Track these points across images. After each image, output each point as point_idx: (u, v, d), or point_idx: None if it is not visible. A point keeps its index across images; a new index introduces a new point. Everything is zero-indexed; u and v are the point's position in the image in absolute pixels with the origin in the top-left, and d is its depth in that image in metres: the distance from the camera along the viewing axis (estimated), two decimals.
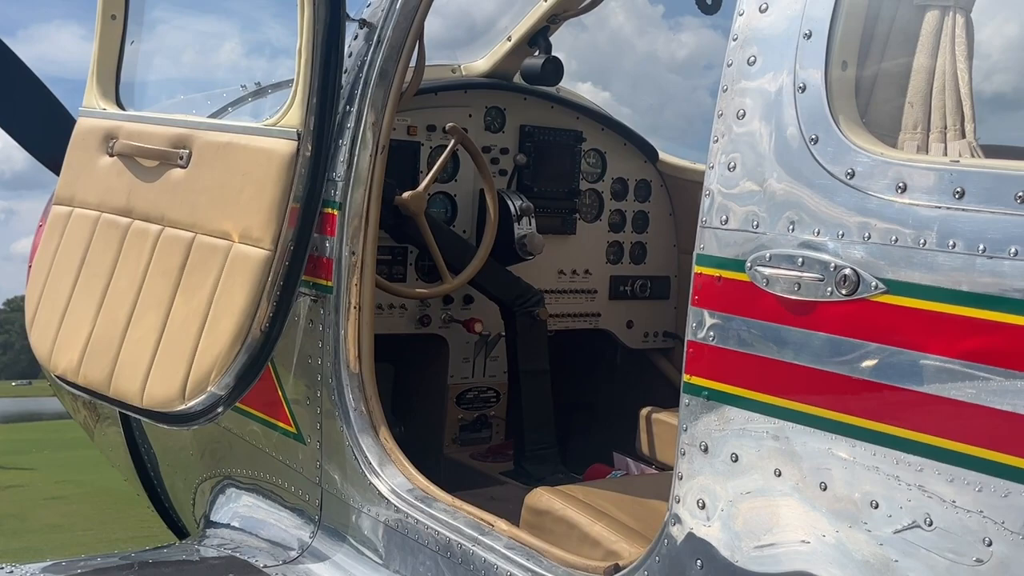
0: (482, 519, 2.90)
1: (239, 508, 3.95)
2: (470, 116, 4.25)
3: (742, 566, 2.24)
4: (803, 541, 2.14)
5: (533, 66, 4.36)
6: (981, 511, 1.89)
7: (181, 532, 4.70)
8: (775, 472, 2.10)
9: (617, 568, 2.51)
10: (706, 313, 2.24)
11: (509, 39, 4.37)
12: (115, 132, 3.78)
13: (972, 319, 1.84)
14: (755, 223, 2.14)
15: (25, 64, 5.41)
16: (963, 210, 1.86)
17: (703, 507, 2.24)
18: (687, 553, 2.32)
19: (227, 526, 3.99)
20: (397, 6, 3.34)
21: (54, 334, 3.79)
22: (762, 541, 2.21)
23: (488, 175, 4.12)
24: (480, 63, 4.32)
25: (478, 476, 4.10)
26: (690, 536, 2.32)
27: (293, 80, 3.90)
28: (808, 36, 2.09)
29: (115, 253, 3.65)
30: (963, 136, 2.05)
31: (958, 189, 1.86)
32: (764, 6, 2.19)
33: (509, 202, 4.23)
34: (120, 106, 3.96)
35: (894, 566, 2.03)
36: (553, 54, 4.42)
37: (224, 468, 4.05)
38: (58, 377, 3.85)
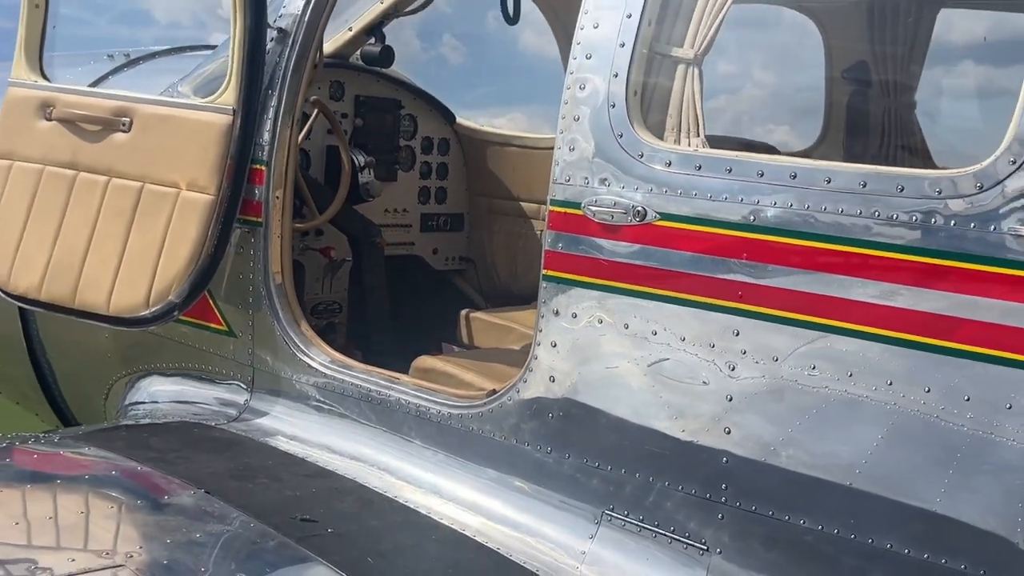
0: (391, 375, 3.89)
1: (166, 390, 4.61)
2: (319, 88, 4.86)
3: (579, 379, 3.27)
4: (614, 365, 3.20)
5: (372, 52, 5.16)
6: (706, 348, 2.99)
7: None
8: (598, 320, 3.17)
9: (493, 392, 3.50)
10: (556, 234, 3.28)
11: (350, 29, 5.11)
12: (51, 101, 4.37)
13: (706, 233, 2.97)
14: (587, 181, 3.17)
15: None
16: (700, 176, 2.98)
17: (555, 346, 3.27)
18: (545, 374, 3.32)
19: (154, 403, 4.62)
20: (305, 19, 4.14)
21: (10, 262, 4.39)
22: (591, 365, 3.26)
23: (342, 136, 4.96)
24: (326, 46, 4.88)
25: None
26: (547, 364, 3.32)
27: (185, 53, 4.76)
28: (616, 76, 3.12)
29: (65, 197, 4.29)
30: (699, 136, 3.11)
31: (698, 165, 2.99)
32: (589, 55, 3.20)
33: (355, 157, 4.98)
34: (46, 78, 4.51)
35: (657, 386, 3.10)
36: (387, 43, 5.12)
37: (145, 364, 4.68)
38: (17, 296, 4.41)
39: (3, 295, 4.50)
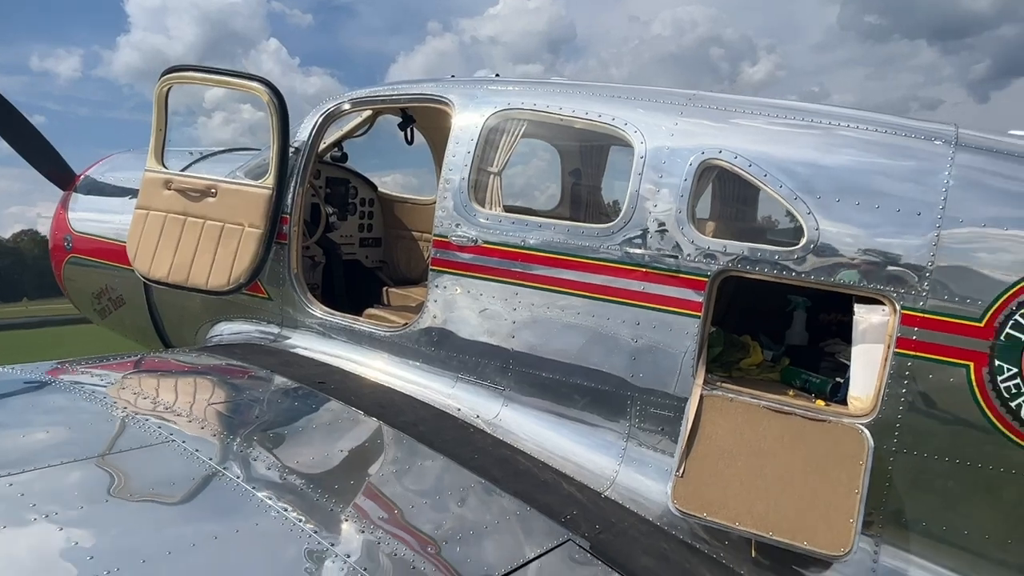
0: (354, 317, 4.27)
1: (231, 328, 4.75)
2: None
3: (447, 317, 3.70)
4: (462, 309, 3.61)
5: (336, 155, 5.54)
6: (503, 300, 3.52)
7: None
8: (455, 289, 3.64)
9: (405, 324, 3.90)
10: (436, 249, 3.69)
11: (326, 143, 5.24)
12: (170, 180, 4.57)
13: (504, 250, 3.62)
14: (450, 225, 3.63)
15: (23, 115, 5.76)
16: (499, 224, 3.54)
17: (435, 302, 3.71)
18: (431, 314, 3.76)
19: (222, 335, 4.73)
20: (308, 143, 4.45)
21: (149, 262, 4.57)
22: (452, 310, 3.70)
23: (321, 198, 5.34)
24: None
25: None
26: (431, 310, 3.75)
27: (221, 153, 5.15)
28: (463, 178, 3.64)
29: (180, 230, 4.52)
30: (500, 205, 3.63)
31: (500, 219, 3.54)
32: (451, 168, 3.67)
33: (326, 209, 5.41)
34: (165, 167, 4.67)
35: (481, 319, 3.56)
36: (344, 152, 5.56)
37: (219, 316, 4.83)
38: (154, 280, 4.54)
39: (145, 279, 4.63)
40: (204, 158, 5.51)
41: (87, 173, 6.21)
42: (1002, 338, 2.70)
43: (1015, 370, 2.69)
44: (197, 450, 2.68)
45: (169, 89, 4.66)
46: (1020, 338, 2.69)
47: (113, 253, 5.40)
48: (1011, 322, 2.70)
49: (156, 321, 5.44)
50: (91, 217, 5.87)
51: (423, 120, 5.40)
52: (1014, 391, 2.69)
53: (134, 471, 2.49)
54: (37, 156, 6.11)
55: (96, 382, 3.43)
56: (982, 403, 2.72)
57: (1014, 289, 2.70)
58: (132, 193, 5.22)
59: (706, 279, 3.18)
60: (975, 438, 2.75)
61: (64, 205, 6.08)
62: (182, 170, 5.07)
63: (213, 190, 4.50)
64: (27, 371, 3.37)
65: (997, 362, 2.70)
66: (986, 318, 2.72)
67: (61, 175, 6.16)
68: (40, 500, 2.20)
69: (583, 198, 4.93)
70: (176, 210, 4.57)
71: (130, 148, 6.30)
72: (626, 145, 3.50)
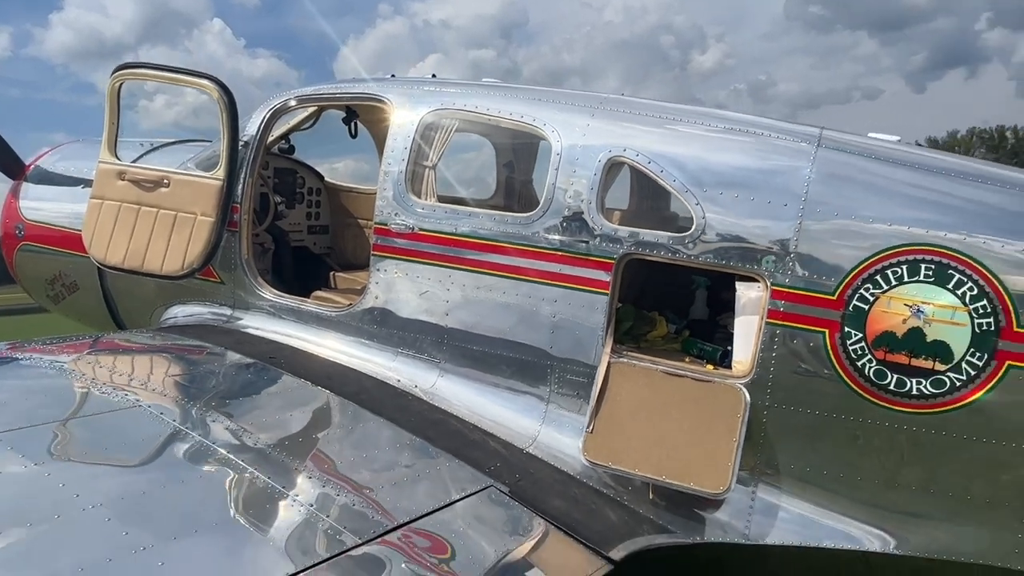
0: (302, 299, 4.51)
1: (185, 311, 4.94)
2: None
3: (387, 297, 3.95)
4: (402, 291, 3.89)
5: (283, 147, 5.76)
6: (438, 283, 3.91)
7: None
8: (395, 272, 3.91)
9: (350, 304, 4.15)
10: (377, 236, 3.94)
11: (274, 136, 5.55)
12: (124, 171, 4.75)
13: (438, 236, 3.88)
14: (390, 213, 3.92)
15: None
16: (434, 213, 3.85)
17: (377, 284, 3.98)
18: (373, 295, 4.02)
19: (176, 318, 4.92)
20: (256, 137, 4.67)
21: (105, 248, 4.75)
22: (392, 291, 3.93)
23: (269, 188, 5.61)
24: None
25: None
26: (373, 291, 4.02)
27: (177, 144, 5.35)
28: (401, 171, 3.99)
29: (134, 219, 4.71)
30: (434, 196, 3.92)
31: (434, 208, 3.87)
32: (390, 161, 3.95)
33: (275, 198, 5.69)
34: (118, 158, 4.85)
35: (420, 300, 3.99)
36: (292, 144, 5.79)
37: (173, 300, 5.00)
38: (110, 266, 4.73)
39: (100, 265, 4.80)
40: (155, 149, 5.69)
41: (37, 163, 6.32)
42: (850, 309, 3.24)
43: (861, 335, 3.23)
44: (162, 414, 3.04)
45: (121, 84, 4.87)
46: (864, 309, 3.23)
47: (66, 240, 5.53)
48: (857, 295, 3.24)
49: (110, 305, 5.55)
50: (43, 206, 5.99)
51: (366, 115, 5.71)
52: (860, 353, 3.24)
53: (106, 431, 2.84)
54: None
55: (60, 358, 3.70)
56: (835, 363, 3.25)
57: (860, 267, 3.23)
58: (84, 182, 5.41)
59: (613, 261, 3.61)
60: (831, 393, 3.27)
61: (15, 194, 6.19)
62: (134, 161, 5.26)
63: (166, 181, 4.71)
64: None
65: (847, 329, 3.24)
66: (838, 292, 3.24)
67: (10, 164, 6.26)
68: (26, 452, 2.55)
69: (515, 189, 5.31)
70: (130, 200, 4.75)
71: (78, 137, 6.43)
72: (545, 142, 3.91)
